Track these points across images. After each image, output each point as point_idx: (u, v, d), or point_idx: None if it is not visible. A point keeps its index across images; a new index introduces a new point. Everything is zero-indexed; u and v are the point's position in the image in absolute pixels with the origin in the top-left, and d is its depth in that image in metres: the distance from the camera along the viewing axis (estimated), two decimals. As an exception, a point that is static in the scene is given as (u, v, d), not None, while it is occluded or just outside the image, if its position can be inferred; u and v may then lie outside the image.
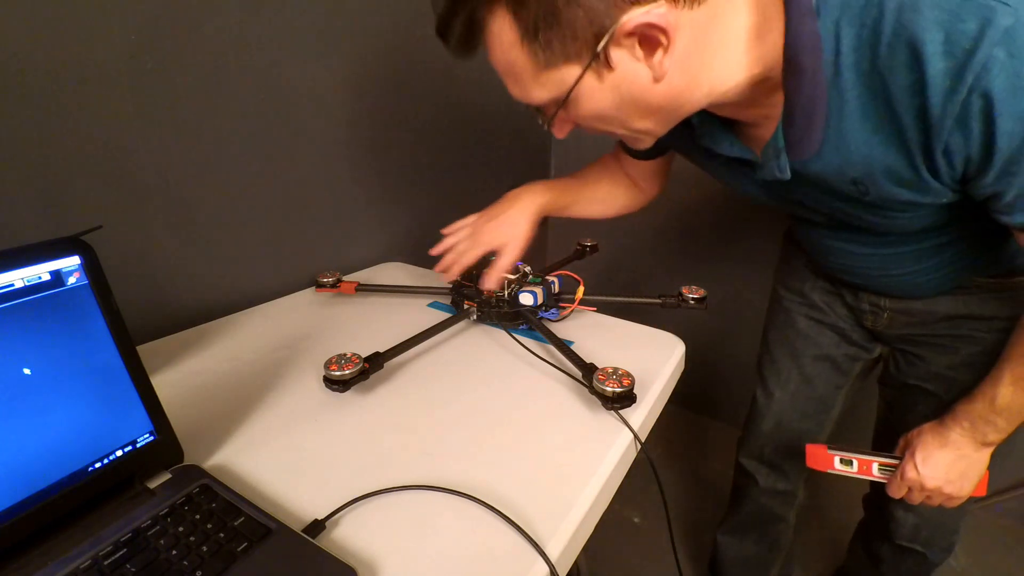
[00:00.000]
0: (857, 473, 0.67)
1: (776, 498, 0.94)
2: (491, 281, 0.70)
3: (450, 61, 1.18)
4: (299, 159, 0.87)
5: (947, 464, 0.60)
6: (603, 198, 0.81)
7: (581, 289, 0.77)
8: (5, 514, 0.36)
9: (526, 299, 0.74)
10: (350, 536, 0.41)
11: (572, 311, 0.78)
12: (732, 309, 1.52)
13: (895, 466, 0.65)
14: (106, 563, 0.36)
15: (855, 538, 0.95)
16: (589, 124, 0.50)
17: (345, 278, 0.88)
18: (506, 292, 0.75)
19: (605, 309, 0.81)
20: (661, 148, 0.71)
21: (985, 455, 0.60)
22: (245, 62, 0.76)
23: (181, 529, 0.39)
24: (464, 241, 0.72)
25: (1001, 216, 0.46)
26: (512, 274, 0.77)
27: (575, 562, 0.45)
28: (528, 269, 0.79)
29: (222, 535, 0.39)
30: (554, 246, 1.68)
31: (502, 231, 0.71)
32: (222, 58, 0.73)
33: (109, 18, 0.62)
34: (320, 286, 0.85)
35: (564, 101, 0.46)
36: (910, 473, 0.62)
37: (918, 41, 0.37)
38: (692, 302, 0.78)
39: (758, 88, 0.47)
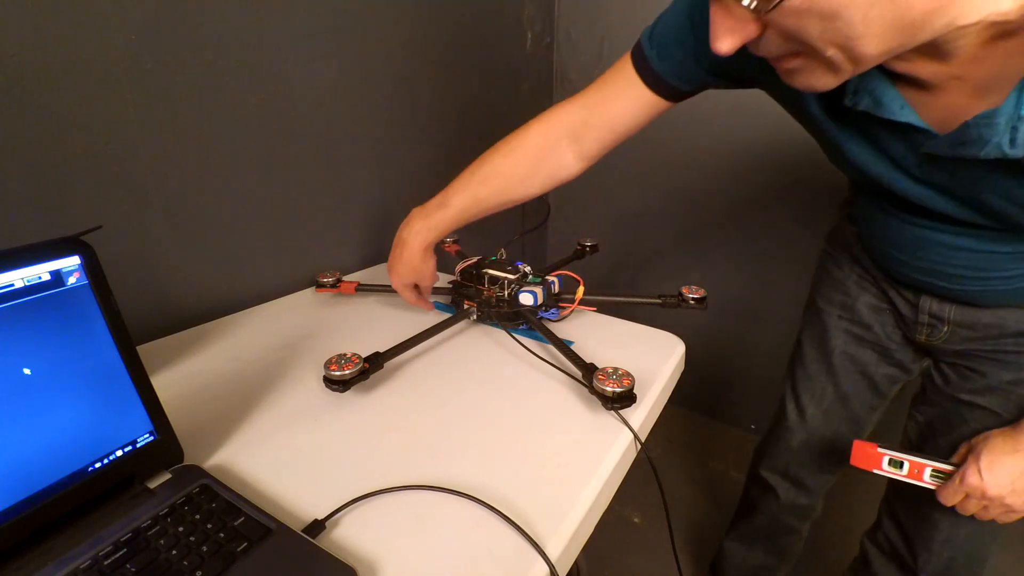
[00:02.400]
0: (906, 476, 0.63)
1: (794, 512, 0.92)
2: (424, 303, 0.79)
3: (450, 61, 1.18)
4: (299, 159, 0.87)
5: (1016, 472, 0.56)
6: (520, 181, 0.70)
7: (581, 289, 0.77)
8: (5, 514, 0.36)
9: (526, 299, 0.74)
10: (350, 536, 0.41)
11: (572, 311, 0.78)
12: (732, 309, 1.52)
13: (950, 473, 0.60)
14: (106, 563, 0.36)
15: (851, 574, 0.88)
16: (798, 28, 0.36)
17: (345, 278, 0.88)
18: (506, 292, 0.75)
19: (605, 309, 0.80)
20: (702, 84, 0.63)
21: None
22: (245, 62, 0.76)
23: (181, 529, 0.39)
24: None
25: None
26: (512, 274, 0.77)
27: (575, 562, 0.45)
28: (528, 269, 0.79)
29: (222, 535, 0.39)
30: (554, 246, 1.68)
31: (407, 269, 0.74)
32: (222, 58, 0.73)
33: (109, 18, 0.62)
34: (320, 286, 0.85)
35: None
36: (972, 478, 0.57)
37: None
38: (692, 302, 0.78)
39: (984, 35, 0.39)
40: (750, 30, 0.38)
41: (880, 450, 0.63)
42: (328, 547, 0.39)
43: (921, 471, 0.62)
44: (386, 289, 0.87)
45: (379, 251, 1.07)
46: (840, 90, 0.47)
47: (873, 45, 0.36)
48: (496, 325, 0.76)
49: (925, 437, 0.73)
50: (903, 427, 0.78)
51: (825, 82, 0.41)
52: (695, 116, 1.35)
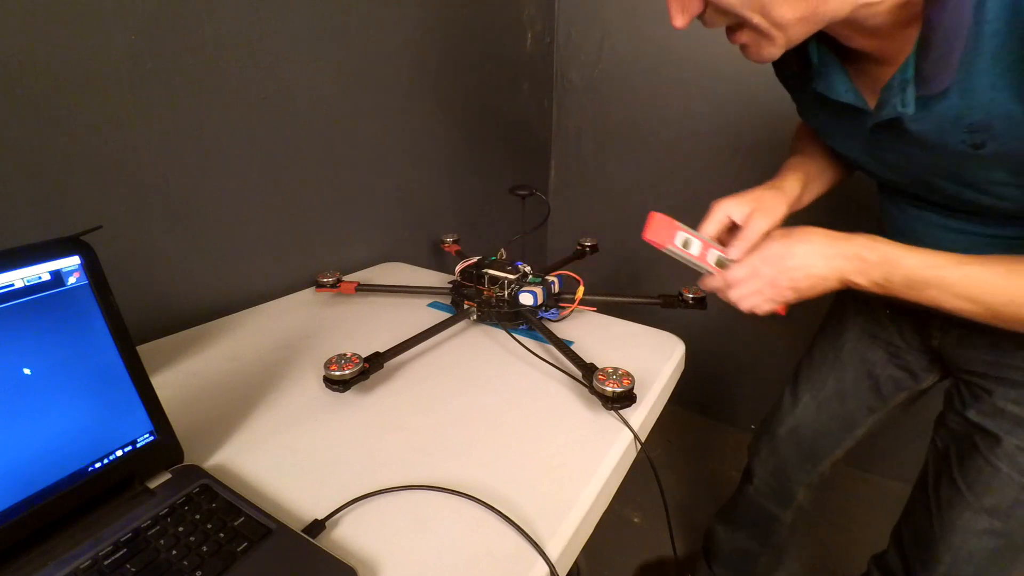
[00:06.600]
0: (696, 259, 0.61)
1: (772, 499, 0.93)
2: (737, 250, 0.61)
3: (450, 61, 1.18)
4: (299, 159, 0.87)
5: (782, 250, 0.55)
6: (832, 164, 0.75)
7: (581, 289, 0.77)
8: (5, 514, 0.36)
9: (526, 299, 0.74)
10: (350, 536, 0.41)
11: (572, 311, 0.78)
12: (732, 309, 1.52)
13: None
14: (106, 563, 0.36)
15: None
16: (723, 2, 0.46)
17: (345, 278, 0.88)
18: (506, 292, 0.75)
19: (605, 309, 0.81)
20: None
21: (833, 286, 0.55)
22: (245, 62, 0.76)
23: (181, 529, 0.39)
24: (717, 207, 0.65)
25: None
26: (512, 274, 0.77)
27: (575, 562, 0.45)
28: (528, 269, 0.79)
29: (222, 535, 0.39)
30: (554, 246, 1.68)
31: (740, 204, 0.64)
32: (222, 58, 0.73)
33: (109, 18, 0.62)
34: (320, 286, 0.85)
35: None
36: (741, 266, 0.57)
37: None
38: (692, 302, 0.78)
39: (899, 14, 0.45)
40: (694, 6, 0.49)
41: (680, 225, 0.61)
42: (328, 547, 0.39)
43: (706, 253, 0.61)
44: (386, 289, 0.87)
45: (379, 251, 1.07)
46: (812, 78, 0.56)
47: (784, 10, 0.45)
48: (496, 325, 0.76)
49: (940, 467, 0.69)
50: (925, 455, 0.74)
51: (770, 52, 0.50)
52: (696, 116, 1.36)
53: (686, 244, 0.61)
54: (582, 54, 1.47)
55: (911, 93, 0.48)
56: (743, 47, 0.51)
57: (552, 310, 0.77)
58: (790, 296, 0.56)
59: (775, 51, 0.50)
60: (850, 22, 0.47)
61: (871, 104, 0.53)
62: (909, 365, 0.74)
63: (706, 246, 0.61)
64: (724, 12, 0.48)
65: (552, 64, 1.51)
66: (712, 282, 0.61)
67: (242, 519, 0.40)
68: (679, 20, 0.49)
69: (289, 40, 0.81)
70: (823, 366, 0.82)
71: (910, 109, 0.48)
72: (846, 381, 0.80)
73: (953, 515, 0.66)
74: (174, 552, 0.37)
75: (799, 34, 0.48)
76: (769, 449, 0.90)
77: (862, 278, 0.53)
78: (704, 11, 0.49)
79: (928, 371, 0.73)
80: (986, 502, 0.63)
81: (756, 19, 0.46)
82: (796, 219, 0.62)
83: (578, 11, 1.44)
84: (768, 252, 0.56)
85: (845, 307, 0.81)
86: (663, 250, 0.61)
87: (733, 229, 0.64)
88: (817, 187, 0.73)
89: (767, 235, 0.60)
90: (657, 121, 1.41)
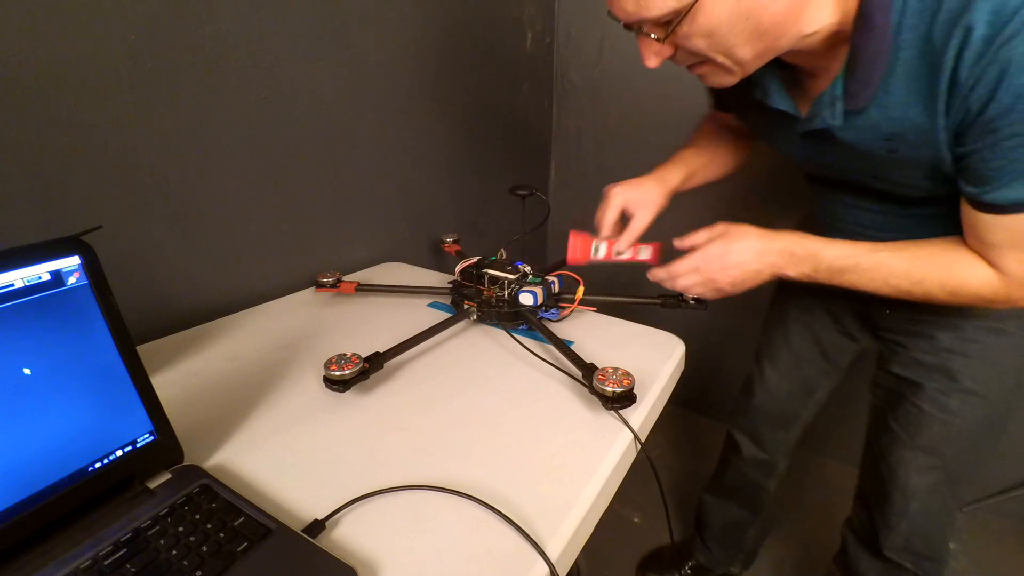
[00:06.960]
0: (610, 259, 0.70)
1: (757, 467, 0.99)
2: (623, 243, 0.72)
3: (450, 61, 1.18)
4: (299, 159, 0.87)
5: (720, 250, 0.62)
6: (718, 159, 0.85)
7: (581, 289, 0.77)
8: (5, 514, 0.36)
9: (526, 299, 0.74)
10: (350, 536, 0.41)
11: (572, 311, 0.78)
12: (732, 309, 1.52)
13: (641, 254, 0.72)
14: (106, 563, 0.36)
15: (834, 564, 0.91)
16: (692, 46, 0.52)
17: (345, 278, 0.88)
18: (506, 292, 0.75)
19: (605, 309, 0.81)
20: (732, 104, 0.77)
21: (766, 278, 0.63)
22: (245, 62, 0.76)
23: (181, 529, 0.39)
24: (601, 207, 0.75)
25: (967, 188, 0.51)
26: (512, 274, 0.77)
27: (575, 562, 0.45)
28: (528, 269, 0.79)
29: (222, 535, 0.39)
30: (554, 246, 1.68)
31: (632, 194, 0.74)
32: (222, 58, 0.73)
33: (109, 18, 0.62)
34: (320, 286, 0.85)
35: (687, 11, 0.48)
36: (695, 257, 0.64)
37: (971, 11, 0.43)
38: (692, 302, 0.78)
39: (831, 39, 0.52)
40: (666, 51, 0.54)
41: (590, 236, 0.71)
42: (328, 547, 0.39)
43: (611, 251, 0.72)
44: (386, 289, 0.87)
45: (379, 251, 1.07)
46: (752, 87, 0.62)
47: (745, 51, 0.52)
48: (496, 325, 0.76)
49: (878, 420, 0.78)
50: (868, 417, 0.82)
51: (728, 80, 0.56)
52: (696, 116, 1.35)
53: (597, 251, 0.72)
54: (582, 54, 1.47)
55: (840, 107, 0.55)
56: (702, 76, 0.58)
57: (552, 310, 0.77)
58: (728, 289, 0.64)
59: (733, 80, 0.56)
60: (791, 49, 0.54)
61: (803, 112, 0.60)
62: (847, 328, 0.83)
63: (610, 244, 0.71)
64: (693, 54, 0.54)
65: (552, 64, 1.51)
66: (658, 273, 0.68)
67: (242, 519, 0.40)
68: (652, 62, 0.55)
69: (289, 40, 0.81)
70: (776, 339, 0.91)
71: (838, 121, 0.56)
72: (796, 349, 0.88)
73: (893, 458, 0.74)
74: (174, 552, 0.37)
75: (755, 67, 0.55)
76: (747, 421, 0.98)
77: (792, 270, 0.62)
78: (675, 53, 0.55)
79: (862, 332, 0.82)
80: (919, 440, 0.72)
81: (720, 59, 0.53)
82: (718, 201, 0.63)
83: (578, 11, 1.44)
84: (709, 252, 0.63)
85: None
86: (587, 263, 0.69)
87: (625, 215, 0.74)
88: (702, 177, 0.83)
89: (652, 220, 0.72)
90: (657, 121, 1.41)
